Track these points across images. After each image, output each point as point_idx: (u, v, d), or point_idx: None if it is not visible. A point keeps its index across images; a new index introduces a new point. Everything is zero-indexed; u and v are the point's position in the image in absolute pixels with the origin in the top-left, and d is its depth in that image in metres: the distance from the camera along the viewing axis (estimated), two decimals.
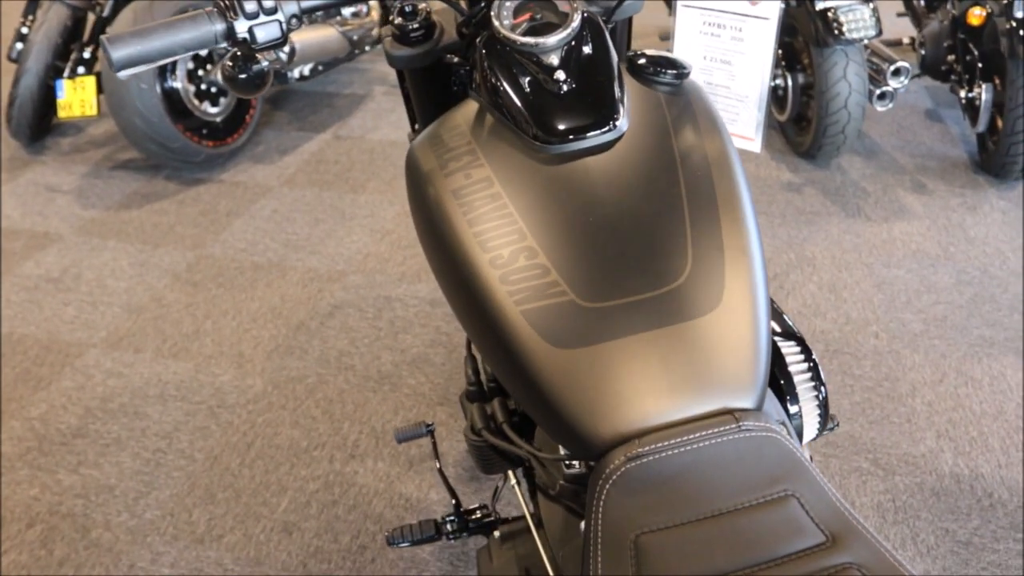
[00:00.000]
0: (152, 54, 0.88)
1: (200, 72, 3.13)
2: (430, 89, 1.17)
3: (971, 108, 3.00)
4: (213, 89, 3.17)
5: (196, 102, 3.09)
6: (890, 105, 2.84)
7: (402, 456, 1.82)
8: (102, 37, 0.88)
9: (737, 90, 1.32)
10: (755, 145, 1.38)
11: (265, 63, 1.00)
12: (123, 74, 0.89)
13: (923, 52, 3.27)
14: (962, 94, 3.02)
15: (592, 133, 0.84)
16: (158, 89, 2.89)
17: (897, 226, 2.69)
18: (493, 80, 0.90)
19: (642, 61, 0.93)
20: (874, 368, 2.07)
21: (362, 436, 1.88)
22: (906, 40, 3.78)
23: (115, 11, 3.22)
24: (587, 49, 0.90)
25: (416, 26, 1.04)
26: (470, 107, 0.95)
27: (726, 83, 1.29)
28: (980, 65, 2.91)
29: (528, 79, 0.89)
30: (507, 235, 0.79)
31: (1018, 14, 2.55)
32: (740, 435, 0.67)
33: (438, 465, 1.27)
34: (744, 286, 0.75)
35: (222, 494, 1.76)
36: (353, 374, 2.06)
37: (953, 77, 3.17)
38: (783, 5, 1.07)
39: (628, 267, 0.75)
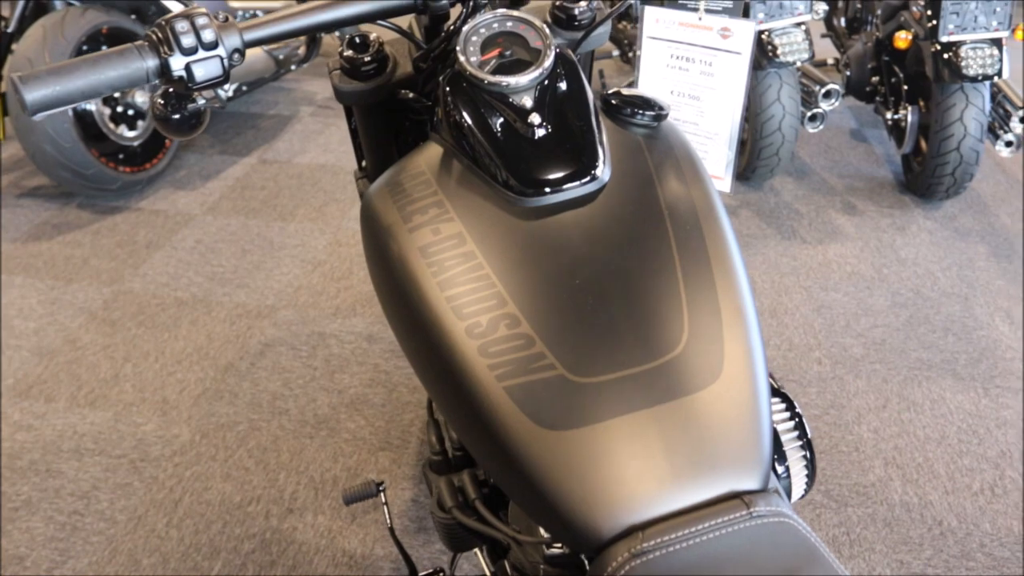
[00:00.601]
0: (72, 95, 0.78)
1: (116, 94, 2.96)
2: (381, 126, 1.10)
3: (897, 130, 3.06)
4: (130, 112, 3.01)
5: (112, 125, 2.92)
6: (821, 127, 2.88)
7: (343, 508, 1.72)
8: (13, 76, 0.77)
9: (706, 127, 1.28)
10: (725, 184, 1.35)
11: (202, 101, 0.91)
12: (39, 116, 0.79)
13: (848, 73, 3.33)
14: (888, 116, 3.08)
15: (572, 184, 0.78)
16: (70, 112, 2.71)
17: (832, 248, 2.71)
18: (459, 122, 0.83)
19: (617, 101, 0.87)
20: (819, 395, 2.07)
21: (300, 487, 1.77)
22: (830, 61, 3.87)
23: (22, 27, 3.02)
24: (562, 89, 0.84)
25: (368, 59, 0.97)
26: (432, 151, 0.88)
27: (694, 119, 1.25)
28: (906, 87, 2.98)
29: (499, 122, 0.82)
30: (484, 300, 0.72)
31: (943, 38, 2.61)
32: (752, 522, 0.61)
33: (390, 525, 1.18)
34: (744, 353, 0.70)
35: (147, 560, 1.63)
36: (288, 419, 1.95)
37: (878, 98, 3.24)
38: (756, 40, 1.03)
39: (621, 336, 0.69)
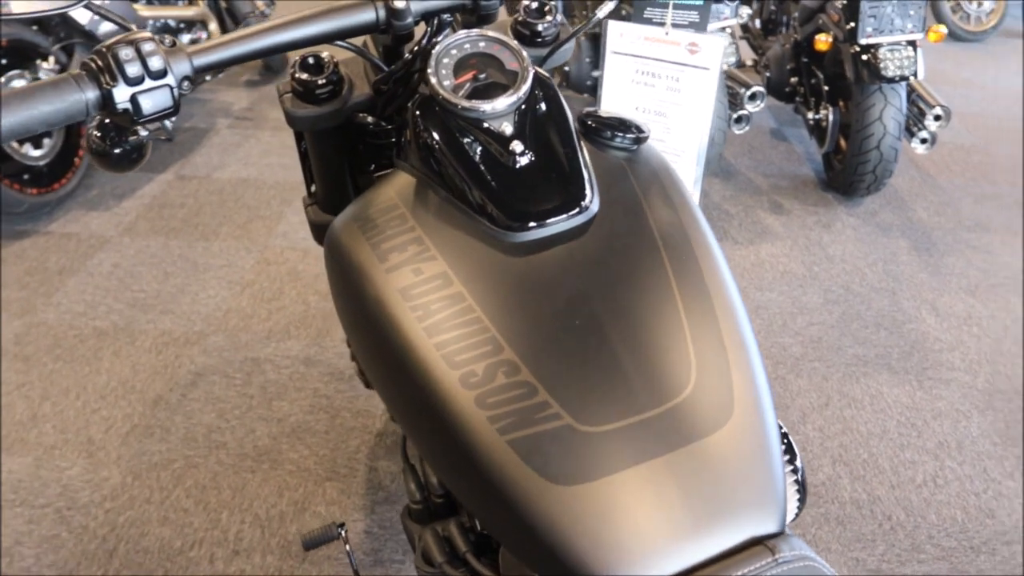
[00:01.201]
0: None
1: None
2: (334, 150, 1.04)
3: (818, 129, 3.14)
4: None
5: (15, 144, 2.74)
6: (747, 128, 2.92)
7: (293, 545, 1.64)
8: None
9: (673, 144, 1.26)
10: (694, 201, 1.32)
11: (144, 132, 0.84)
12: None
13: (767, 74, 3.40)
14: (809, 116, 3.16)
15: (562, 217, 0.74)
16: None
17: (763, 248, 2.75)
18: (433, 151, 0.78)
19: (594, 123, 0.83)
20: None
21: (245, 526, 1.68)
22: (748, 62, 3.94)
23: None
24: (542, 112, 0.80)
25: (323, 82, 0.91)
26: (402, 180, 0.83)
27: (660, 136, 1.22)
28: (826, 88, 3.05)
29: (478, 150, 0.77)
30: (478, 346, 0.67)
31: (862, 40, 2.67)
32: (778, 569, 0.59)
33: (354, 569, 1.12)
34: (751, 389, 0.67)
35: None
36: (226, 453, 1.86)
37: (798, 99, 3.31)
38: (726, 55, 1.01)
39: (628, 380, 0.65)
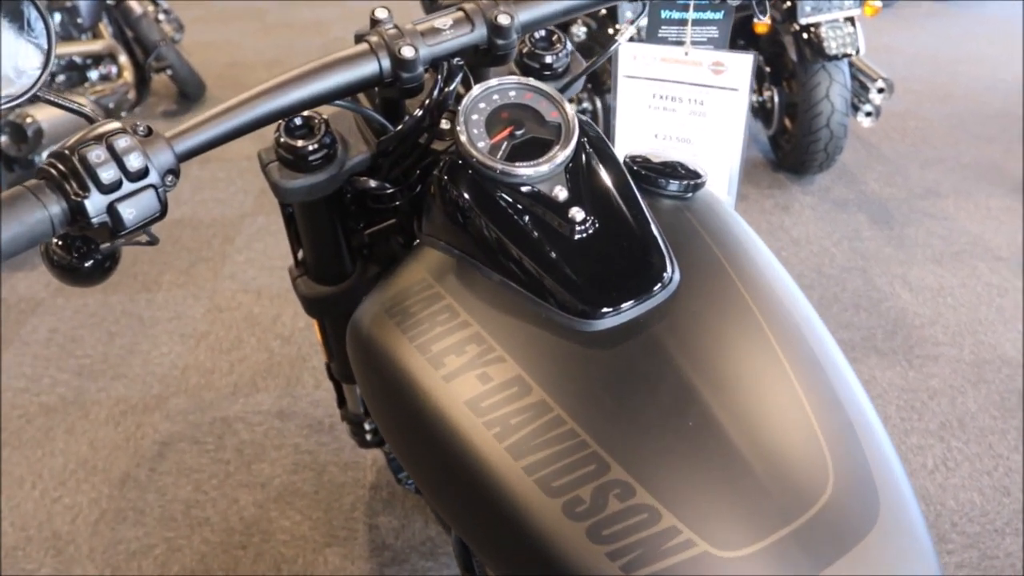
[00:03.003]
0: None
1: None
2: (325, 216, 0.92)
3: (763, 111, 3.12)
4: None
5: None
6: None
7: None
8: None
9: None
10: None
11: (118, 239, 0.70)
12: None
13: None
14: (753, 98, 3.14)
15: (644, 295, 0.64)
16: None
17: None
18: (475, 225, 0.68)
19: (645, 170, 0.74)
20: None
21: None
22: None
23: None
24: (593, 167, 0.70)
25: (315, 147, 0.79)
26: (434, 259, 0.72)
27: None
28: (768, 69, 3.03)
29: (531, 221, 0.67)
30: (579, 466, 0.56)
31: (802, 20, 2.65)
32: None
33: None
34: (890, 469, 0.58)
35: None
36: (211, 530, 1.71)
37: None
38: (754, 74, 0.93)
39: (761, 486, 0.55)
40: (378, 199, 0.87)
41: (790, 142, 3.00)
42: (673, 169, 0.75)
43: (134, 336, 2.34)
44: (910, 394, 2.02)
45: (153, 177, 0.61)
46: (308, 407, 2.03)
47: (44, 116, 2.71)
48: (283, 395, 2.08)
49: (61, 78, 3.23)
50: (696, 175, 0.75)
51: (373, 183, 0.84)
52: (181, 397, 2.09)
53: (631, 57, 0.98)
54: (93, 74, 3.33)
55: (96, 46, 3.33)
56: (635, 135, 1.02)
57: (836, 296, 2.41)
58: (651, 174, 0.74)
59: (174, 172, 0.63)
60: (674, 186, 0.73)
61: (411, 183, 0.85)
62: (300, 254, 1.03)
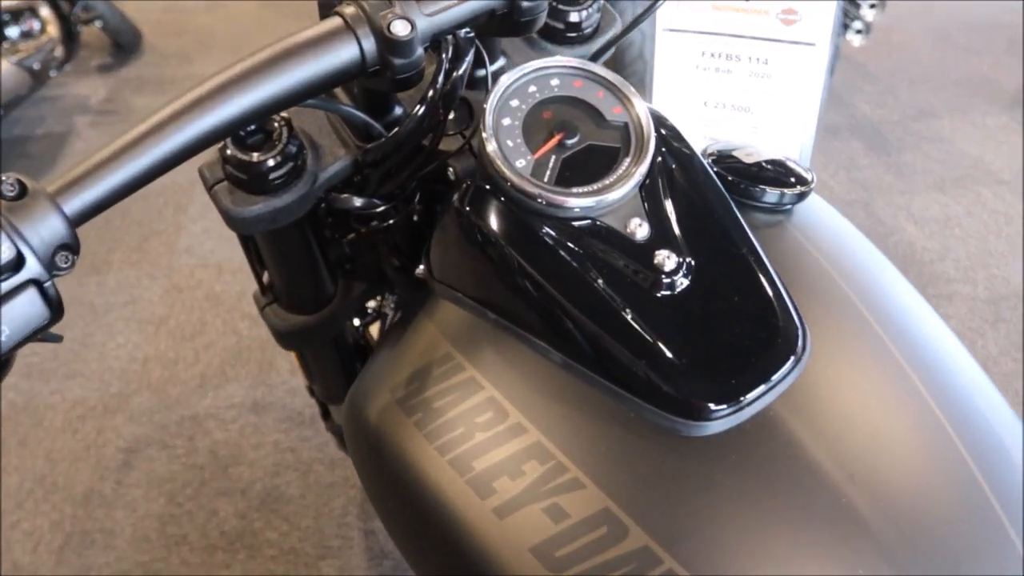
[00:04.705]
0: None
1: None
2: (301, 240, 0.74)
3: None
4: None
5: None
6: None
7: None
8: None
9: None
10: None
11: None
12: None
13: None
14: None
15: (774, 378, 0.46)
16: None
17: None
18: (518, 280, 0.50)
19: (732, 174, 0.57)
20: None
21: None
22: None
23: None
24: (680, 184, 0.52)
25: (277, 160, 0.59)
26: (457, 323, 0.54)
27: (740, 138, 0.95)
28: None
29: (596, 270, 0.49)
30: None
31: None
32: None
33: None
34: None
35: None
36: (189, 549, 1.56)
37: None
38: (837, 23, 0.74)
39: None
40: (364, 219, 0.68)
41: None
42: (768, 170, 0.57)
43: (86, 326, 2.14)
44: None
45: (34, 265, 0.42)
46: (285, 396, 1.86)
47: None
48: (256, 384, 1.91)
49: None
50: (802, 179, 0.58)
51: (358, 201, 0.65)
52: (144, 394, 1.91)
53: (673, 5, 0.79)
54: (12, 31, 3.00)
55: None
56: (677, 104, 0.84)
57: None
58: (741, 180, 0.56)
59: (69, 248, 0.43)
60: (772, 196, 0.56)
61: (409, 194, 0.67)
62: (265, 277, 0.85)
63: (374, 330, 1.08)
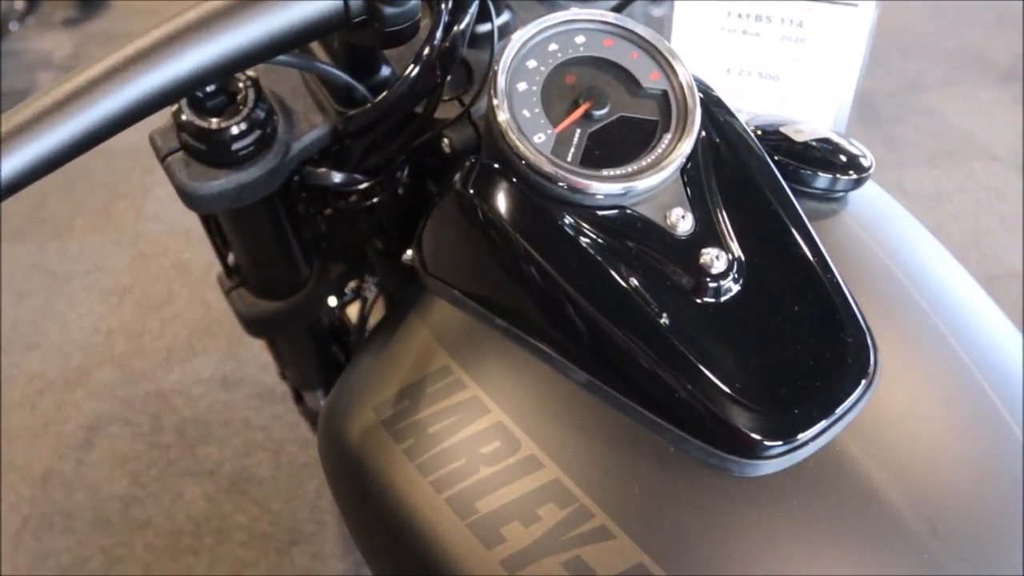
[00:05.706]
0: None
1: None
2: (270, 216, 0.66)
3: None
4: None
5: None
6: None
7: None
8: None
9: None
10: None
11: None
12: None
13: None
14: None
15: (848, 398, 0.39)
16: None
17: None
18: (535, 282, 0.42)
19: (781, 153, 0.49)
20: None
21: None
22: None
23: None
24: (728, 166, 0.44)
25: (242, 127, 0.51)
26: (455, 329, 0.46)
27: (769, 110, 0.86)
28: None
29: (629, 272, 0.41)
30: None
31: None
32: None
33: None
34: None
35: None
36: (154, 533, 1.48)
37: None
38: None
39: None
40: (344, 195, 0.60)
41: None
42: (818, 150, 0.50)
43: (47, 295, 2.04)
44: None
45: None
46: (255, 372, 1.79)
47: None
48: (225, 358, 1.83)
49: None
50: (857, 162, 0.50)
51: (338, 176, 0.57)
52: (107, 368, 1.82)
53: None
54: None
55: None
56: (696, 70, 0.76)
57: None
58: (789, 162, 0.49)
59: None
60: (824, 181, 0.49)
61: (396, 167, 0.59)
62: (231, 258, 0.77)
63: (352, 311, 1.01)
